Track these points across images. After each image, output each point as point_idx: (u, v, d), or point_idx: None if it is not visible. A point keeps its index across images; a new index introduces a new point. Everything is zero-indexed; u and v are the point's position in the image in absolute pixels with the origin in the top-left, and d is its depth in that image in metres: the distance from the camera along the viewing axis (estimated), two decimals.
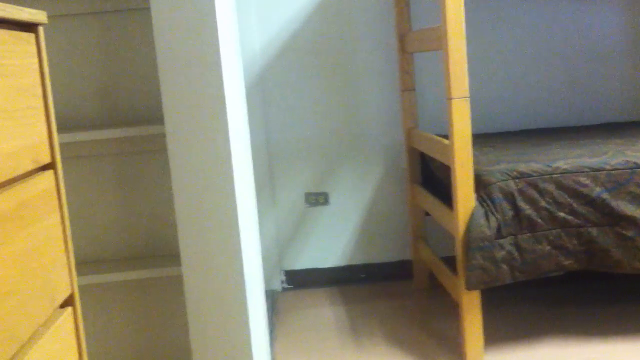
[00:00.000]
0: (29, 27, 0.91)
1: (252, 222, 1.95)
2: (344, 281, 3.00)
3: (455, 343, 2.29)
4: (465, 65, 2.02)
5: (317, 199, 2.96)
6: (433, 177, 2.65)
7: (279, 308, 2.78)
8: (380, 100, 2.90)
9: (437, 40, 2.14)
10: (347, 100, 2.90)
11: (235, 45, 1.90)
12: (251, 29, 2.84)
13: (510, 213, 2.05)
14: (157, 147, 2.02)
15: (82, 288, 2.07)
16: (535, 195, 2.06)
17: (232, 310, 1.69)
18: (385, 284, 2.95)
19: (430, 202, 2.48)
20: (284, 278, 3.00)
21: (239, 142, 1.77)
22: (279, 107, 2.90)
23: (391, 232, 2.98)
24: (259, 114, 2.87)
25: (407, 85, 2.75)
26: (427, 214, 2.78)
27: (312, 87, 2.89)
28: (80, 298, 2.07)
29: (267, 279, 2.96)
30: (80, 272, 1.93)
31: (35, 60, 0.91)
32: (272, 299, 2.87)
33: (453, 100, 2.04)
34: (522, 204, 2.05)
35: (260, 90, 2.87)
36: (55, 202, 0.93)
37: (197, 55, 1.60)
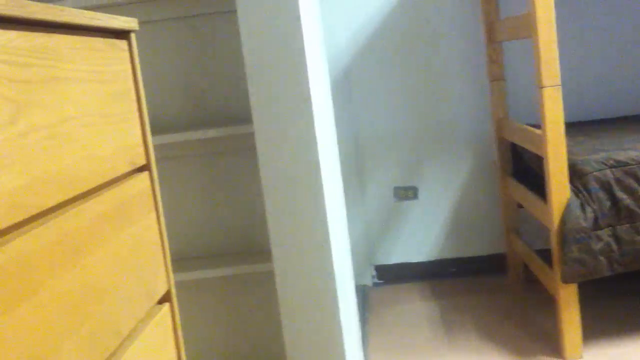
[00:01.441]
0: (121, 34, 0.95)
1: (340, 218, 1.96)
2: (435, 275, 2.97)
3: (552, 338, 2.23)
4: (556, 52, 1.97)
5: (406, 193, 2.94)
6: (525, 169, 2.58)
7: (370, 303, 2.78)
8: (469, 91, 2.86)
9: (527, 28, 2.09)
10: (435, 93, 2.87)
11: (320, 43, 1.91)
12: (336, 24, 2.85)
13: (607, 203, 1.97)
14: (246, 146, 2.06)
15: (176, 284, 2.13)
16: (634, 184, 1.98)
17: (323, 305, 1.71)
18: (478, 278, 2.90)
19: (523, 194, 2.42)
20: (374, 273, 3.00)
21: (326, 138, 1.79)
22: (366, 102, 2.89)
23: (483, 225, 2.93)
24: (346, 109, 2.88)
25: (496, 74, 2.69)
26: (520, 206, 2.71)
27: (399, 80, 2.87)
28: (176, 294, 2.14)
29: (358, 274, 2.97)
30: (175, 269, 1.99)
31: (129, 66, 0.94)
32: (363, 294, 2.87)
33: (544, 89, 1.99)
34: (620, 193, 1.97)
35: (347, 85, 2.88)
36: (151, 202, 0.96)
37: (283, 55, 1.62)
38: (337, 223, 1.83)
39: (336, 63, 2.87)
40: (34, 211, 0.63)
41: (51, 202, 0.67)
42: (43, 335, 0.61)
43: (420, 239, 2.96)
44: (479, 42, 2.83)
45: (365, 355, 2.29)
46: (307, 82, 1.62)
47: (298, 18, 1.60)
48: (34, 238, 0.62)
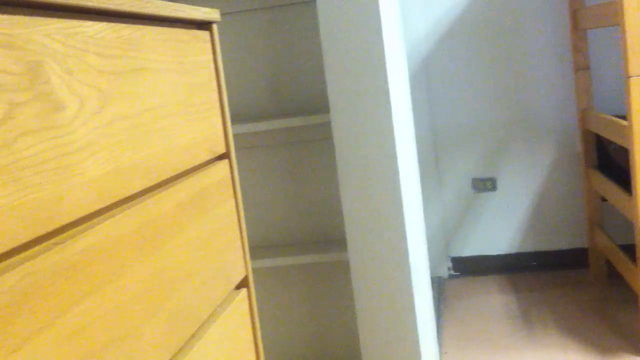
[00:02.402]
0: (203, 25, 0.97)
1: (417, 208, 1.95)
2: (513, 269, 2.92)
3: (634, 336, 2.16)
4: None
5: (485, 184, 2.89)
6: (610, 161, 2.50)
7: (446, 295, 2.76)
8: (551, 81, 2.78)
9: (614, 15, 2.02)
10: (516, 82, 2.81)
11: (398, 33, 1.90)
12: (416, 13, 2.82)
13: None
14: (323, 136, 2.07)
15: (254, 272, 2.17)
16: None
17: (398, 295, 1.70)
18: (558, 272, 2.83)
19: (607, 187, 2.35)
20: (450, 265, 2.97)
21: (403, 128, 1.78)
22: (445, 92, 2.86)
23: (564, 219, 2.86)
24: (424, 99, 2.86)
25: (581, 64, 2.61)
26: (604, 199, 2.63)
27: (479, 70, 2.82)
28: (254, 280, 2.18)
29: (433, 266, 2.95)
30: (253, 256, 2.02)
31: (211, 56, 0.96)
32: (439, 286, 2.85)
33: (632, 79, 1.92)
34: None
35: (425, 75, 2.85)
36: (230, 190, 0.98)
37: (361, 45, 1.62)
38: (413, 214, 1.82)
39: (414, 53, 2.84)
40: (119, 197, 0.66)
41: (135, 189, 0.69)
42: (125, 317, 0.64)
43: (498, 231, 2.91)
44: (563, 30, 2.75)
45: (440, 347, 2.28)
46: (385, 73, 1.62)
47: (377, 8, 1.59)
48: (119, 223, 0.65)
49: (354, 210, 1.69)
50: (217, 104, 0.97)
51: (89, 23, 0.64)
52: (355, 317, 2.13)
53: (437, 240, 2.94)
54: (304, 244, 2.11)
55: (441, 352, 2.24)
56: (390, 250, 1.69)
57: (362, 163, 1.66)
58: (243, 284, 1.01)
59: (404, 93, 1.91)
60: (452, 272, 2.97)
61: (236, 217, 0.99)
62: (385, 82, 1.62)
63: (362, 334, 1.74)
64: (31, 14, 0.55)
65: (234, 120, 2.07)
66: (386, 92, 1.62)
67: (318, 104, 2.08)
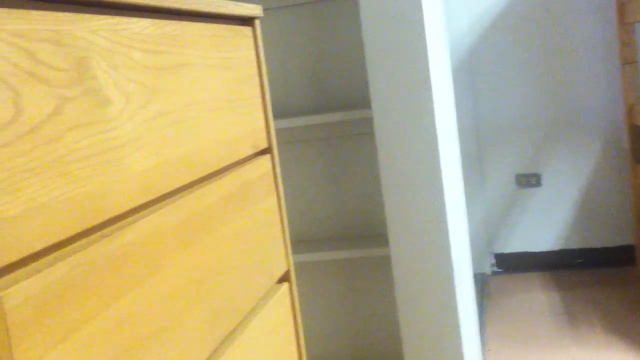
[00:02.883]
0: (246, 21, 0.97)
1: (459, 204, 1.93)
2: (558, 266, 2.87)
3: None
4: None
5: (529, 180, 2.85)
6: None
7: (489, 292, 2.74)
8: (597, 75, 2.73)
9: None
10: (561, 76, 2.76)
11: (441, 27, 1.89)
12: (459, 6, 2.80)
13: None
14: (365, 131, 2.06)
15: (295, 266, 2.18)
16: None
17: (440, 291, 1.69)
18: (605, 269, 2.78)
19: None
20: (493, 261, 2.94)
21: (445, 123, 1.76)
22: (488, 86, 2.83)
23: (611, 215, 2.80)
24: (467, 93, 2.83)
25: (628, 58, 2.56)
26: None
27: (523, 64, 2.78)
28: (295, 275, 2.19)
29: (476, 262, 2.92)
30: (294, 251, 2.03)
31: (253, 52, 0.97)
32: (482, 283, 2.82)
33: None
34: None
35: (468, 69, 2.82)
36: (272, 184, 0.99)
37: (403, 39, 1.61)
38: (455, 209, 1.81)
39: (457, 47, 2.82)
40: (163, 191, 0.67)
41: (179, 183, 0.70)
42: (169, 309, 0.65)
43: (542, 228, 2.87)
44: (610, 24, 2.69)
45: (483, 344, 2.26)
46: (428, 68, 1.61)
47: (419, 2, 1.58)
48: (163, 217, 0.66)
49: (395, 205, 1.68)
50: (260, 99, 0.97)
51: (134, 19, 0.65)
52: (396, 313, 2.12)
53: (480, 237, 2.91)
54: (345, 239, 2.12)
55: (484, 349, 2.22)
56: (432, 246, 1.68)
57: (404, 158, 1.66)
58: (285, 278, 1.02)
59: (447, 87, 1.90)
60: (495, 269, 2.94)
61: (278, 212, 1.00)
62: (428, 76, 1.61)
63: (404, 330, 1.74)
64: (78, 11, 0.56)
65: (275, 116, 2.08)
66: (428, 87, 1.61)
67: (359, 99, 2.08)
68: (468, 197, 2.89)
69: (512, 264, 2.92)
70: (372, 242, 2.03)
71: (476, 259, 2.92)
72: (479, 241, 2.91)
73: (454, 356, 1.71)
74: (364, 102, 2.07)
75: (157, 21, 0.69)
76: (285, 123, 1.95)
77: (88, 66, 0.56)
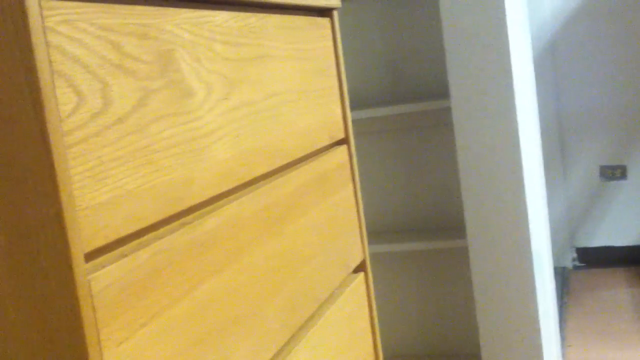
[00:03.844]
0: (324, 12, 0.98)
1: (540, 196, 1.89)
2: None
3: None
4: None
5: (614, 172, 2.76)
6: None
7: (570, 287, 2.67)
8: None
9: None
10: None
11: (523, 14, 1.85)
12: None
13: None
14: (442, 122, 2.04)
15: (371, 256, 2.18)
16: None
17: (519, 285, 1.67)
18: None
19: None
20: (575, 256, 2.86)
21: (526, 114, 1.73)
22: (571, 75, 2.75)
23: None
24: (549, 83, 2.76)
25: None
26: None
27: (609, 51, 2.69)
28: (371, 265, 2.19)
29: (557, 256, 2.85)
30: (370, 241, 2.04)
31: (331, 43, 0.98)
32: (562, 277, 2.76)
33: None
34: None
35: (550, 59, 2.75)
36: (349, 174, 0.99)
37: (483, 28, 1.58)
38: (536, 201, 1.77)
39: (539, 35, 2.75)
40: (243, 180, 0.68)
41: (258, 172, 0.72)
42: (248, 296, 0.66)
43: (628, 222, 2.78)
44: None
45: (563, 339, 2.21)
46: (509, 57, 1.58)
47: None
48: (242, 205, 0.67)
49: (474, 196, 1.66)
50: (337, 90, 0.98)
51: (216, 12, 0.66)
52: (473, 306, 2.10)
53: (562, 230, 2.84)
54: (421, 230, 2.10)
55: (564, 344, 2.17)
56: (511, 238, 1.65)
57: (483, 149, 1.63)
58: (360, 268, 1.03)
59: (528, 77, 1.85)
60: (577, 263, 2.86)
61: (354, 202, 1.00)
62: (509, 66, 1.58)
63: (481, 324, 1.72)
64: (163, 5, 0.58)
65: (353, 106, 2.08)
66: (509, 77, 1.58)
67: (438, 89, 2.06)
68: (549, 190, 2.82)
69: (595, 259, 2.83)
70: (449, 233, 2.01)
71: (557, 253, 2.85)
72: (561, 235, 2.84)
73: (533, 351, 1.68)
74: (442, 92, 2.05)
75: (237, 14, 0.71)
76: (363, 114, 1.95)
77: (172, 59, 0.58)
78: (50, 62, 0.44)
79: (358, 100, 2.13)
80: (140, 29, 0.54)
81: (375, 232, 2.16)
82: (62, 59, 0.45)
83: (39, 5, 0.43)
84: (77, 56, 0.46)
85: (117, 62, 0.51)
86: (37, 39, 0.43)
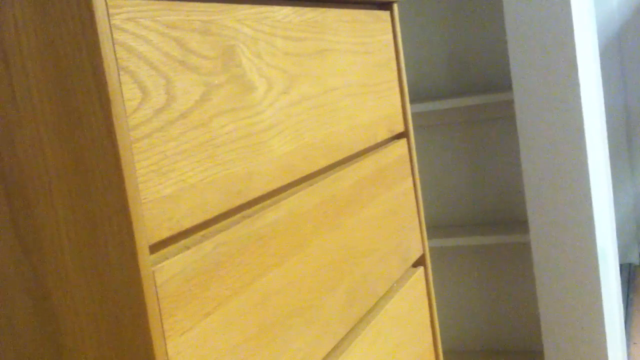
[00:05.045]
0: (384, 5, 0.98)
1: (605, 191, 1.84)
2: None
3: None
4: None
5: None
6: None
7: (635, 284, 2.60)
8: None
9: None
10: None
11: (588, 4, 1.80)
12: None
13: None
14: (505, 114, 2.01)
15: (431, 250, 2.16)
16: None
17: (583, 282, 1.63)
18: None
19: None
20: None
21: (591, 107, 1.68)
22: (639, 68, 2.67)
23: None
24: (616, 76, 2.68)
25: None
26: None
27: None
28: (430, 259, 2.18)
29: (622, 252, 2.78)
30: (429, 235, 2.02)
31: (391, 36, 0.97)
32: (629, 274, 2.68)
33: None
34: None
35: (618, 50, 2.67)
36: (409, 168, 0.99)
37: (547, 19, 1.55)
38: (601, 196, 1.73)
39: (606, 27, 2.67)
40: (303, 174, 0.69)
41: (318, 166, 0.72)
42: (308, 288, 0.67)
43: None
44: None
45: (629, 337, 2.15)
46: (574, 48, 1.54)
47: None
48: (302, 199, 0.68)
49: (537, 190, 1.63)
50: (397, 83, 0.97)
51: (277, 8, 0.67)
52: (536, 302, 2.06)
53: (628, 225, 2.76)
54: (482, 224, 2.08)
55: (630, 342, 2.12)
56: (575, 233, 1.61)
57: (547, 142, 1.60)
58: (420, 262, 1.02)
59: (594, 69, 1.81)
60: None
61: (414, 196, 1.00)
62: (574, 57, 1.54)
63: (544, 321, 1.69)
64: (225, 1, 0.59)
65: (412, 99, 2.07)
66: (574, 69, 1.55)
67: (499, 82, 2.03)
68: (615, 184, 2.75)
69: None
70: (511, 228, 1.98)
71: (623, 249, 2.78)
72: (627, 230, 2.76)
73: (597, 349, 1.64)
74: (505, 85, 2.02)
75: (298, 9, 0.71)
76: (424, 107, 1.93)
77: (233, 54, 0.59)
78: (116, 59, 0.45)
79: (419, 93, 2.12)
80: (202, 25, 0.55)
81: (436, 226, 2.14)
82: (128, 55, 0.46)
83: (105, 3, 0.44)
84: (142, 53, 0.48)
85: (181, 58, 0.52)
86: (103, 36, 0.44)
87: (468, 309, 2.15)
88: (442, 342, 2.20)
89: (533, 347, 2.09)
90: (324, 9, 0.77)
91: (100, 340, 0.47)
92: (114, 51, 0.45)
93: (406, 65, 2.11)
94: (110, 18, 0.45)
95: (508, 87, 1.98)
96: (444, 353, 2.18)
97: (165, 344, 0.47)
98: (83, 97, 0.44)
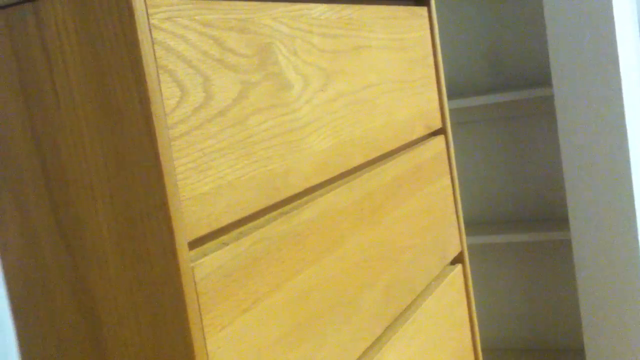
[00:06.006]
0: (421, 1, 0.97)
1: None
2: None
3: None
4: None
5: None
6: None
7: None
8: None
9: None
10: None
11: None
12: None
13: None
14: (544, 110, 1.98)
15: (470, 247, 2.15)
16: None
17: (625, 280, 1.60)
18: None
19: None
20: None
21: (633, 102, 1.65)
22: None
23: None
24: None
25: None
26: None
27: None
28: (469, 257, 2.16)
29: None
30: (468, 232, 2.01)
31: (428, 32, 0.97)
32: None
33: None
34: None
35: None
36: (446, 165, 0.98)
37: (588, 12, 1.53)
38: None
39: None
40: (339, 171, 0.69)
41: (354, 163, 0.72)
42: (345, 285, 0.67)
43: None
44: None
45: None
46: (615, 42, 1.51)
47: None
48: (339, 196, 0.68)
49: (578, 187, 1.61)
50: (434, 80, 0.97)
51: (313, 5, 0.67)
52: (576, 301, 2.03)
53: None
54: (522, 221, 2.05)
55: None
56: (617, 230, 1.59)
57: (587, 138, 1.58)
58: (458, 259, 1.01)
59: (635, 63, 1.77)
60: None
61: (451, 192, 0.99)
62: (615, 51, 1.52)
63: (585, 320, 1.66)
64: (262, 0, 0.59)
65: (450, 95, 2.06)
66: (615, 63, 1.52)
67: (539, 77, 2.00)
68: None
69: None
70: (551, 225, 1.95)
71: None
72: None
73: (639, 347, 1.61)
74: (545, 80, 1.99)
75: (334, 5, 0.71)
76: (461, 103, 1.92)
77: (270, 52, 0.59)
78: (155, 58, 0.46)
79: (457, 88, 2.10)
80: (240, 24, 0.55)
81: (474, 223, 2.12)
82: (166, 54, 0.47)
83: (145, 3, 0.45)
84: (180, 52, 0.48)
85: (218, 56, 0.52)
86: (143, 36, 0.45)
87: (508, 307, 2.13)
88: (482, 340, 2.18)
89: (573, 345, 2.06)
90: (360, 6, 0.77)
91: (140, 334, 0.48)
92: (153, 50, 0.45)
93: (444, 60, 2.10)
94: (149, 18, 0.45)
95: (546, 83, 1.95)
96: (484, 351, 2.16)
97: (205, 340, 0.47)
98: (123, 95, 0.45)
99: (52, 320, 0.50)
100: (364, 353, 0.71)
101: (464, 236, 1.02)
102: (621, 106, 1.53)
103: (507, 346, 2.15)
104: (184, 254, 0.46)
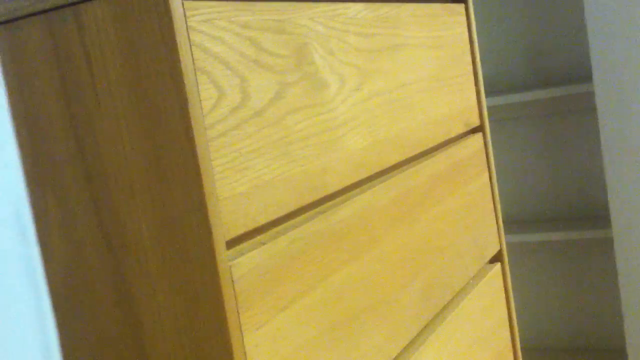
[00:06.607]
0: None
1: None
2: None
3: None
4: None
5: None
6: None
7: None
8: None
9: None
10: None
11: None
12: None
13: None
14: (585, 107, 1.95)
15: (509, 246, 2.13)
16: None
17: None
18: None
19: None
20: None
21: None
22: None
23: None
24: None
25: None
26: None
27: None
28: (508, 255, 2.14)
29: None
30: (507, 231, 1.98)
31: (465, 29, 0.96)
32: None
33: None
34: None
35: None
36: (484, 163, 0.98)
37: (628, 7, 1.50)
38: None
39: None
40: (376, 170, 0.69)
41: (391, 162, 0.72)
42: (383, 284, 0.67)
43: None
44: None
45: None
46: None
47: None
48: (376, 195, 0.68)
49: (619, 184, 1.58)
50: (471, 77, 0.96)
51: (349, 4, 0.67)
52: (618, 300, 2.00)
53: None
54: (562, 219, 2.03)
55: None
56: None
57: (629, 135, 1.55)
58: (497, 258, 1.01)
59: None
60: None
61: (490, 191, 0.98)
62: None
63: (627, 320, 1.63)
64: (298, 0, 0.60)
65: (489, 92, 2.04)
66: None
67: (580, 73, 1.97)
68: None
69: None
70: (592, 223, 1.92)
71: None
72: None
73: None
74: (584, 76, 1.96)
75: (370, 4, 0.71)
76: (500, 100, 1.90)
77: (306, 52, 0.59)
78: (193, 59, 0.46)
79: (496, 85, 2.08)
80: (276, 25, 0.56)
81: (514, 222, 2.10)
82: (204, 56, 0.47)
83: (182, 5, 0.46)
84: (218, 53, 0.49)
85: (255, 57, 0.53)
86: (181, 38, 0.45)
87: (547, 306, 2.10)
88: (521, 340, 2.16)
89: (615, 345, 2.02)
90: (396, 4, 0.77)
91: (179, 333, 0.48)
92: (191, 52, 0.46)
93: (482, 57, 2.08)
94: (187, 20, 0.46)
95: (587, 79, 1.92)
96: (523, 350, 2.14)
97: (243, 338, 0.48)
98: (161, 96, 0.46)
99: (93, 318, 0.51)
100: (401, 353, 0.71)
101: (502, 234, 1.01)
102: None
103: (547, 345, 2.12)
104: (222, 253, 0.47)
